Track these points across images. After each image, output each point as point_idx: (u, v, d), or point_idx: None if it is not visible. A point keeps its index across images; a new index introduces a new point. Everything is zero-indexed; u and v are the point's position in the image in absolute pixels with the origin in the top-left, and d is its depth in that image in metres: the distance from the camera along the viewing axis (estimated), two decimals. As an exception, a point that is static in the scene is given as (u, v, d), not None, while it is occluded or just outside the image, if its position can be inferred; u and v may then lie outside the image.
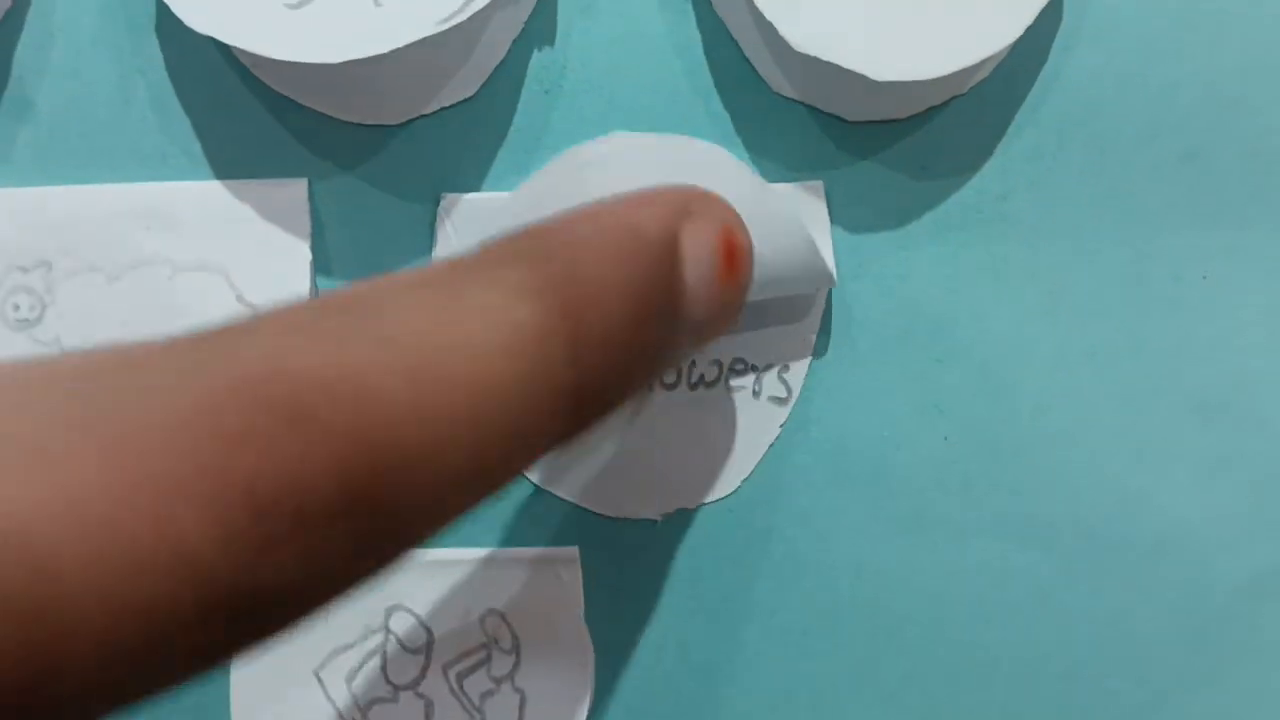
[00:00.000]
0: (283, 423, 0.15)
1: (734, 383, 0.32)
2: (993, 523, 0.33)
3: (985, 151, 0.33)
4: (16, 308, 0.32)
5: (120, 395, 0.15)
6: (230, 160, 0.33)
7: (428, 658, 0.33)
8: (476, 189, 0.33)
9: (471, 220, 0.32)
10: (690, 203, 0.22)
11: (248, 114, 0.33)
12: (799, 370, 0.32)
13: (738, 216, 0.23)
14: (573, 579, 0.33)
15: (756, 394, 0.32)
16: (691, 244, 0.21)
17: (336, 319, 0.17)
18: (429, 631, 0.33)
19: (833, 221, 0.32)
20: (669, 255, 0.21)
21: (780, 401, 0.33)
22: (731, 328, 0.25)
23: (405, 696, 0.32)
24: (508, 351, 0.17)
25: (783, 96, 0.33)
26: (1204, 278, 0.33)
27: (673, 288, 0.21)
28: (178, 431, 0.15)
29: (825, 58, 0.30)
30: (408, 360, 0.16)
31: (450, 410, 0.17)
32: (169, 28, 0.33)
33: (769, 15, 0.30)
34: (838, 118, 0.33)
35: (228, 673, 0.32)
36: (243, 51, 0.32)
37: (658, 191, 0.22)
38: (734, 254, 0.22)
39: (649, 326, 0.20)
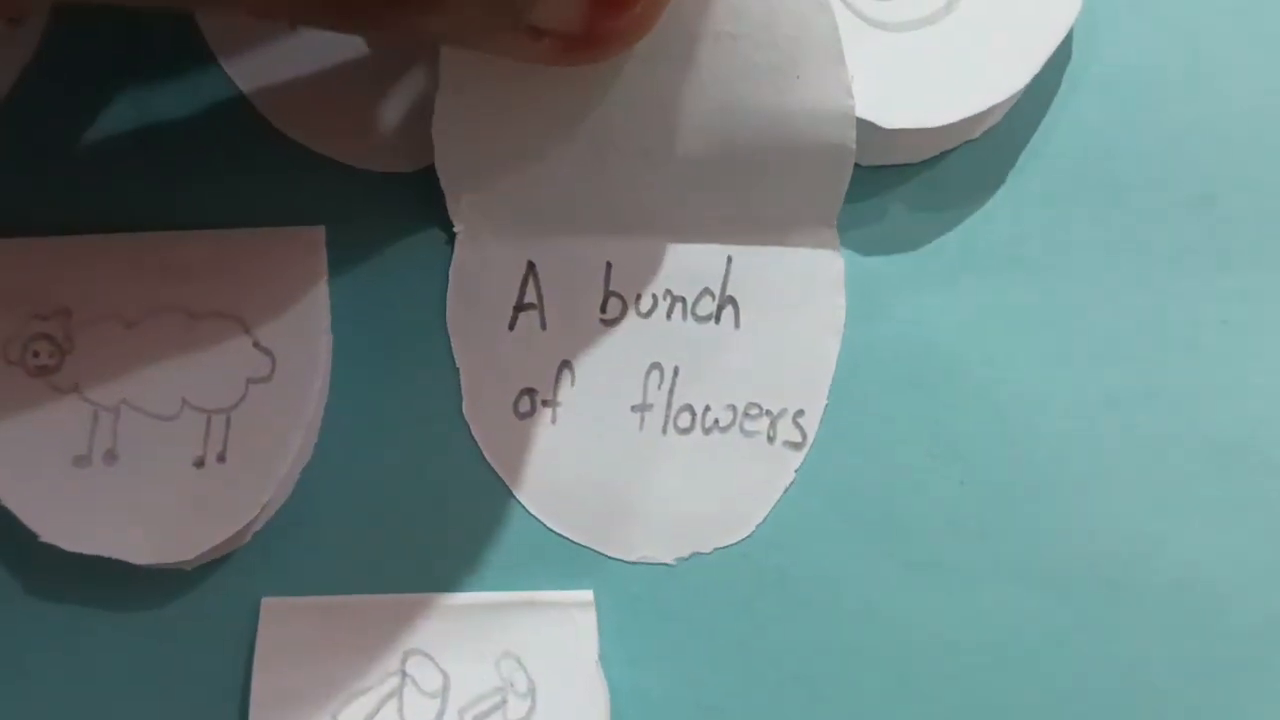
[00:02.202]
0: None
1: (748, 427, 0.32)
2: (1007, 567, 0.32)
3: (998, 195, 0.33)
4: (36, 355, 0.31)
5: None
6: (247, 208, 0.32)
7: (444, 701, 0.32)
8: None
9: (483, 265, 0.32)
10: None
11: (264, 162, 0.33)
12: (814, 415, 0.31)
13: None
14: (587, 622, 0.32)
15: (771, 439, 0.32)
16: None
17: None
18: (445, 675, 0.32)
19: (846, 264, 0.32)
20: None
21: (795, 446, 0.32)
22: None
23: (421, 740, 0.32)
24: None
25: (796, 142, 0.32)
26: (1223, 322, 0.32)
27: None
28: None
29: (837, 106, 0.30)
30: None
31: None
32: (185, 79, 0.33)
33: (782, 64, 0.30)
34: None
35: (246, 712, 0.32)
36: (259, 97, 0.32)
37: None
38: None
39: None
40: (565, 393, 0.31)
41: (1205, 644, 0.32)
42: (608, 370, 0.32)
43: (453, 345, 0.32)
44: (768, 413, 0.31)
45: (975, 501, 0.32)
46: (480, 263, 0.32)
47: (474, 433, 0.31)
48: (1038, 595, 0.32)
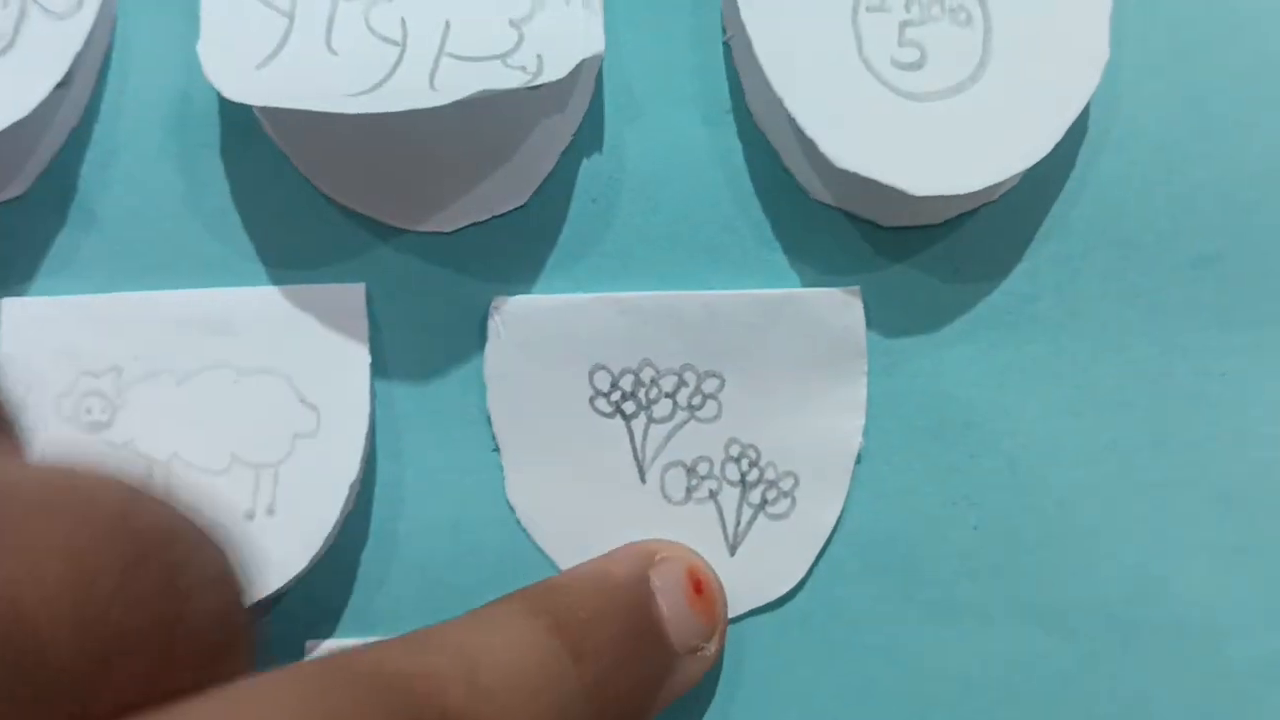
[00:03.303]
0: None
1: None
2: (1019, 609, 0.33)
3: (1014, 255, 0.33)
4: (89, 411, 0.32)
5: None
6: (290, 266, 0.33)
7: (484, 739, 0.33)
8: (527, 292, 0.33)
9: (521, 321, 0.32)
10: (657, 551, 0.29)
11: (307, 222, 0.33)
12: (842, 481, 0.32)
13: (701, 558, 0.30)
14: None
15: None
16: (660, 581, 0.28)
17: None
18: None
19: (868, 322, 0.33)
20: (641, 591, 0.28)
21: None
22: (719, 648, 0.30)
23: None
24: (541, 666, 0.23)
25: (820, 203, 0.33)
26: (1223, 374, 0.33)
27: (651, 615, 0.27)
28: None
29: (865, 174, 0.30)
30: (472, 669, 0.21)
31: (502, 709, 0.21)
32: (230, 141, 0.33)
33: (810, 133, 0.30)
34: (872, 223, 0.33)
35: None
36: (302, 159, 0.32)
37: (628, 546, 0.30)
38: (701, 584, 0.29)
39: (639, 645, 0.27)
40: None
41: (1207, 683, 0.33)
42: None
43: (493, 424, 0.32)
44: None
45: (989, 545, 0.33)
46: (517, 317, 0.32)
47: (510, 498, 0.32)
48: (1047, 635, 0.33)
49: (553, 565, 0.33)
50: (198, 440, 0.31)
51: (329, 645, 0.33)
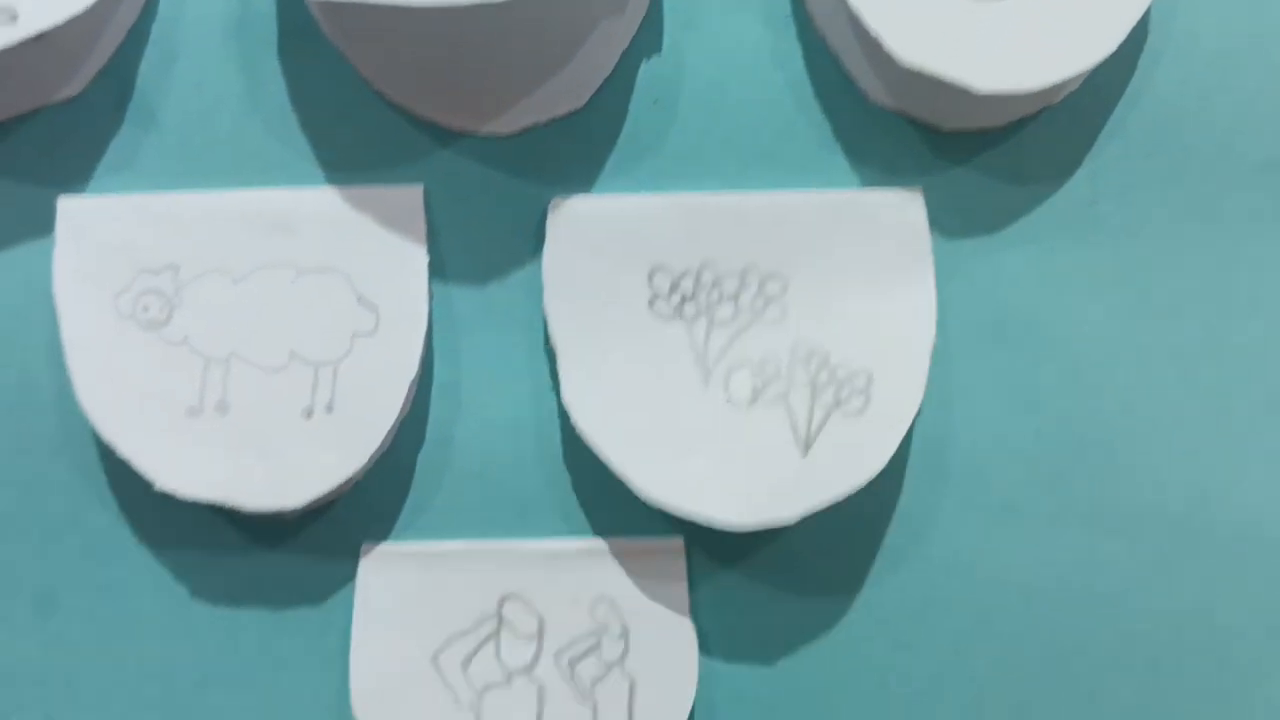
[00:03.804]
0: None
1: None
2: (1082, 515, 0.33)
3: (1075, 160, 0.33)
4: (146, 309, 0.31)
5: None
6: (349, 168, 0.32)
7: (540, 643, 0.32)
8: (586, 194, 0.32)
9: (580, 222, 0.32)
10: None
11: (366, 124, 0.33)
12: (920, 375, 0.31)
13: None
14: (678, 569, 0.32)
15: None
16: None
17: None
18: (541, 619, 0.32)
19: (929, 226, 0.32)
20: None
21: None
22: None
23: (519, 681, 0.32)
24: None
25: (880, 107, 0.33)
26: (1284, 281, 0.33)
27: None
28: None
29: (930, 70, 0.30)
30: None
31: None
32: (289, 43, 0.33)
33: (874, 30, 0.30)
34: (933, 126, 0.32)
35: (345, 660, 0.32)
36: (361, 61, 0.32)
37: None
38: None
39: None
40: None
41: (1271, 587, 0.32)
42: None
43: (550, 326, 0.32)
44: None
45: (1051, 451, 0.33)
46: (576, 219, 0.32)
47: (565, 399, 0.31)
48: (1110, 541, 0.33)
49: (610, 468, 0.32)
50: (256, 338, 0.31)
51: (384, 549, 0.33)
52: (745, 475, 0.30)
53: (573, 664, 0.32)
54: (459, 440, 0.33)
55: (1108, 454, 0.33)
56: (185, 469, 0.30)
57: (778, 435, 0.30)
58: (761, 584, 0.33)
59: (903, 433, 0.30)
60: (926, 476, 0.33)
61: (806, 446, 0.30)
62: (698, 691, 0.32)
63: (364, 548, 0.32)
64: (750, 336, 0.31)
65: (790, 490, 0.29)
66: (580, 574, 0.32)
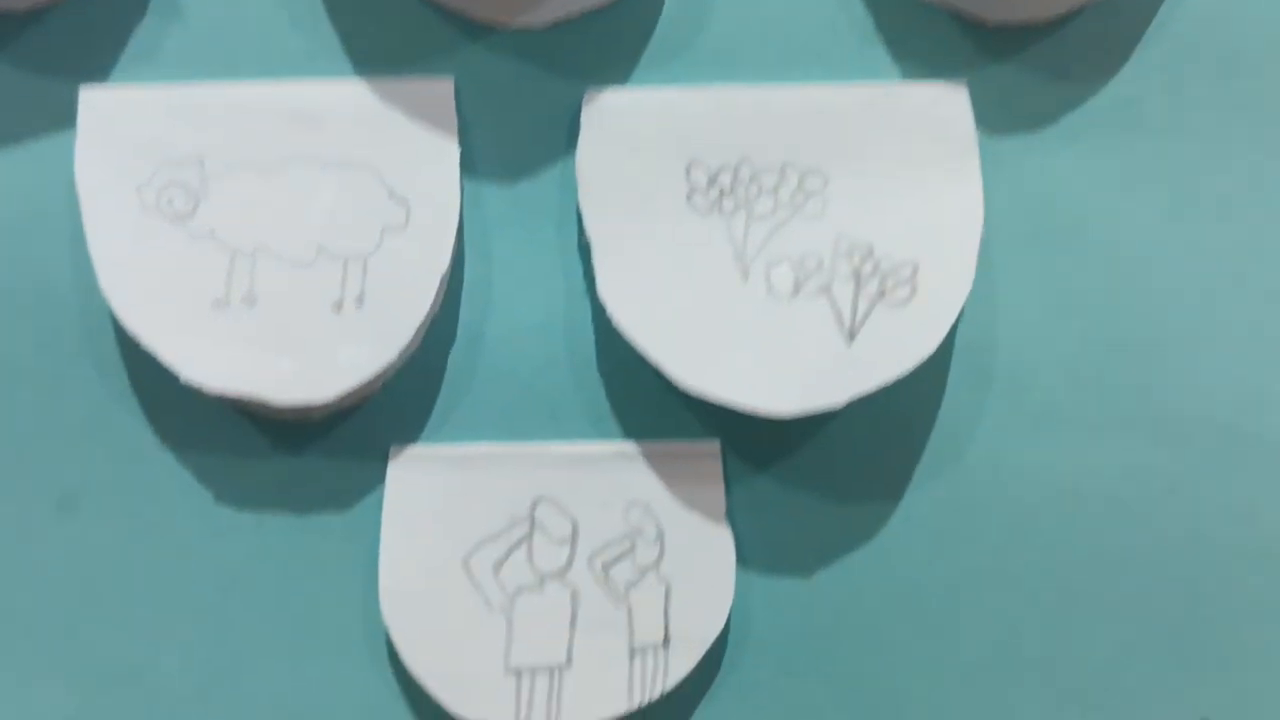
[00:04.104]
0: None
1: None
2: (1125, 419, 0.32)
3: (1120, 57, 0.32)
4: (171, 202, 0.30)
5: None
6: (378, 61, 0.32)
7: (573, 547, 0.32)
8: (621, 86, 0.32)
9: (615, 116, 0.31)
10: None
11: (396, 16, 0.32)
12: (969, 263, 0.30)
13: None
14: (714, 471, 0.31)
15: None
16: None
17: None
18: (574, 522, 0.31)
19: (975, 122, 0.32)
20: None
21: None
22: None
23: (552, 585, 0.31)
24: None
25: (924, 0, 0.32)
26: (1334, 180, 0.32)
27: None
28: None
29: (976, -44, 0.29)
30: None
31: None
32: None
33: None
34: (978, 20, 0.32)
35: (374, 565, 0.31)
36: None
37: None
38: None
39: None
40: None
41: (1321, 491, 0.32)
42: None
43: (584, 221, 0.31)
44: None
45: (1094, 355, 0.32)
46: (610, 112, 0.31)
47: (601, 293, 0.30)
48: (1155, 446, 0.32)
49: (646, 363, 0.31)
50: (283, 231, 0.30)
51: (413, 451, 0.32)
52: (788, 364, 0.29)
53: (606, 568, 0.31)
54: (490, 341, 0.32)
55: (1153, 358, 0.32)
56: (211, 361, 0.29)
57: (821, 325, 0.29)
58: (799, 489, 0.32)
59: (952, 320, 0.29)
60: (968, 380, 0.32)
61: (851, 336, 0.29)
62: (734, 598, 0.31)
63: (393, 450, 0.31)
64: (790, 231, 0.30)
65: (835, 377, 0.28)
66: (614, 477, 0.31)
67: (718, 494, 0.32)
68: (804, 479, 0.32)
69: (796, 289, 0.30)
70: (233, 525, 0.31)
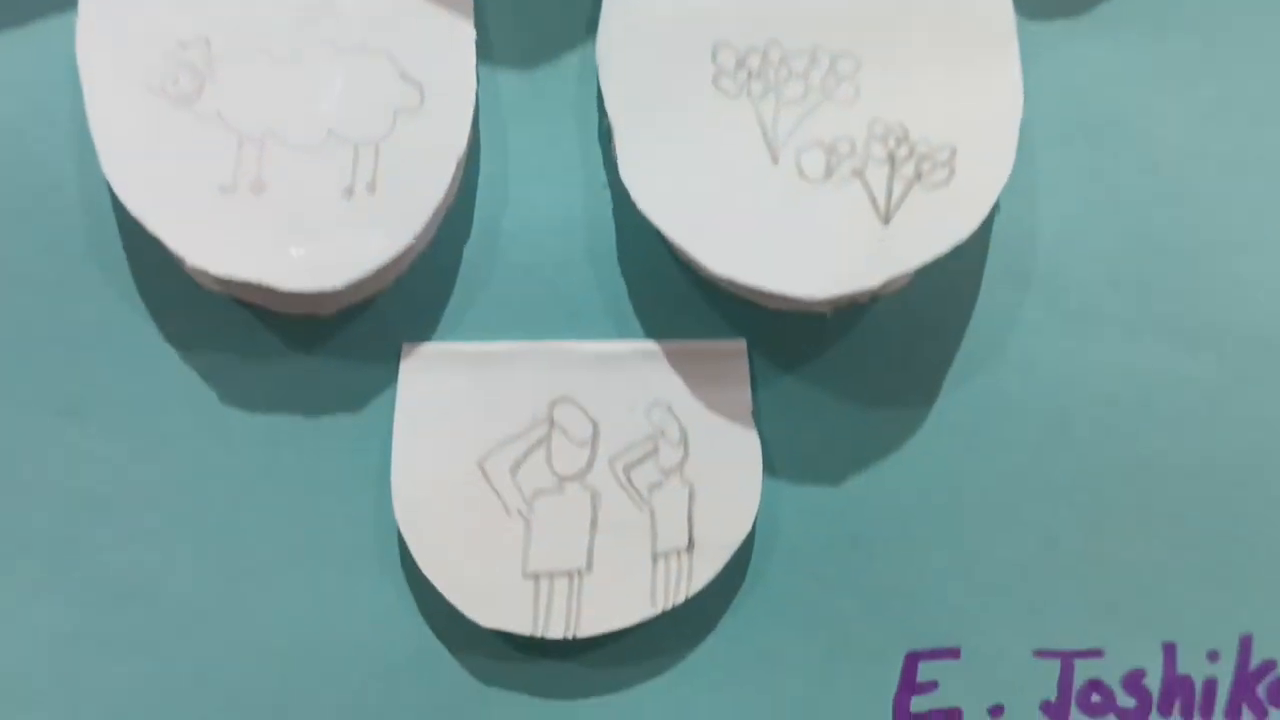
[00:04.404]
0: None
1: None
2: (1165, 324, 0.31)
3: (1166, -61, 0.31)
4: (176, 82, 0.29)
5: None
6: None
7: (594, 449, 0.30)
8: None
9: None
10: None
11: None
12: (1009, 146, 0.29)
13: None
14: (740, 371, 0.30)
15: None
16: None
17: None
18: (595, 423, 0.30)
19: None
20: None
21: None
22: None
23: (571, 488, 0.30)
24: None
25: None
26: (1387, 70, 0.31)
27: None
28: None
29: None
30: None
31: None
32: None
33: None
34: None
35: (386, 468, 0.30)
36: None
37: None
38: None
39: None
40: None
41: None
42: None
43: (607, 105, 0.29)
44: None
45: (1135, 256, 0.31)
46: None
47: (625, 180, 0.29)
48: (1194, 353, 0.31)
49: (672, 257, 0.30)
50: (292, 115, 0.29)
51: (427, 349, 0.31)
52: (821, 247, 0.27)
53: (628, 470, 0.30)
54: (506, 235, 0.30)
55: (1193, 261, 0.31)
56: (218, 247, 0.28)
57: (855, 208, 0.28)
58: (828, 391, 0.31)
59: (993, 199, 0.28)
60: (1004, 279, 0.31)
61: (886, 218, 0.28)
62: (760, 502, 0.30)
63: (405, 348, 0.30)
64: (821, 115, 0.29)
65: (870, 259, 0.27)
66: (636, 377, 0.30)
67: (744, 395, 0.30)
68: (833, 380, 0.31)
69: (829, 173, 0.28)
70: (240, 430, 0.30)
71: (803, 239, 0.28)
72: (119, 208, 0.29)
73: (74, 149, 0.30)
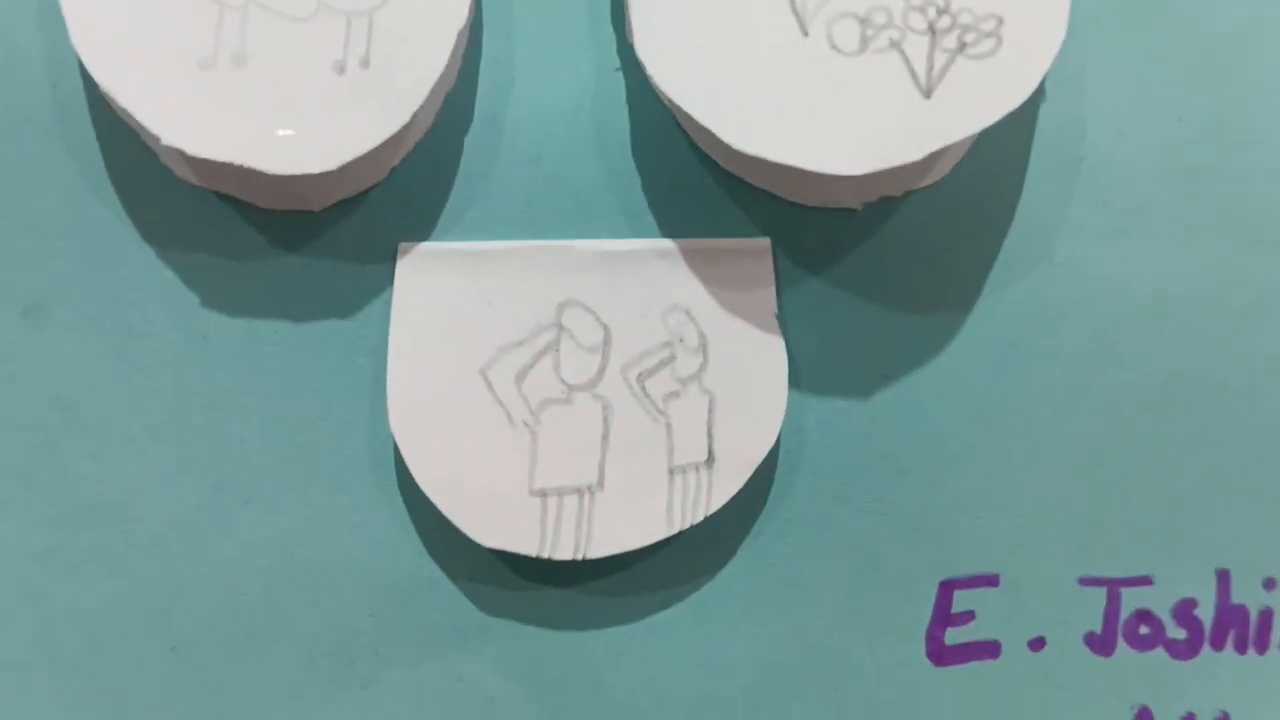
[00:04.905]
0: None
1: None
2: (1220, 218, 0.28)
3: None
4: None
5: None
6: None
7: (605, 357, 0.28)
8: None
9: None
10: None
11: None
12: (1061, 13, 0.26)
13: None
14: (764, 273, 0.28)
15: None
16: None
17: None
18: (606, 329, 0.28)
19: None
20: None
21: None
22: None
23: (581, 398, 0.28)
24: None
25: None
26: None
27: None
28: None
29: None
30: None
31: None
32: None
33: None
34: None
35: (380, 376, 0.28)
36: None
37: None
38: None
39: None
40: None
41: None
42: None
43: None
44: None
45: (1189, 144, 0.28)
46: None
47: (641, 57, 0.26)
48: (1251, 248, 0.28)
49: (690, 147, 0.28)
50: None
51: (424, 248, 0.28)
52: (857, 122, 0.25)
53: (643, 379, 0.28)
54: (510, 125, 0.28)
55: (1252, 150, 0.28)
56: (196, 125, 0.25)
57: (893, 81, 0.25)
58: (858, 295, 0.28)
59: (1045, 68, 0.25)
60: (1049, 172, 0.28)
61: (928, 91, 0.25)
62: (785, 415, 0.28)
63: (401, 248, 0.28)
64: (854, -13, 0.27)
65: (911, 133, 0.25)
66: (651, 278, 0.28)
67: (768, 298, 0.28)
68: (863, 283, 0.28)
69: (864, 45, 0.26)
70: (222, 336, 0.28)
71: (836, 114, 0.25)
72: (88, 82, 0.26)
73: (38, 16, 0.27)
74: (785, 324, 0.28)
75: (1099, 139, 0.28)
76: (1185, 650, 0.30)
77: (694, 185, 0.28)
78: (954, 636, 0.29)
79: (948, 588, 0.29)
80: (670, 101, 0.26)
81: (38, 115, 0.28)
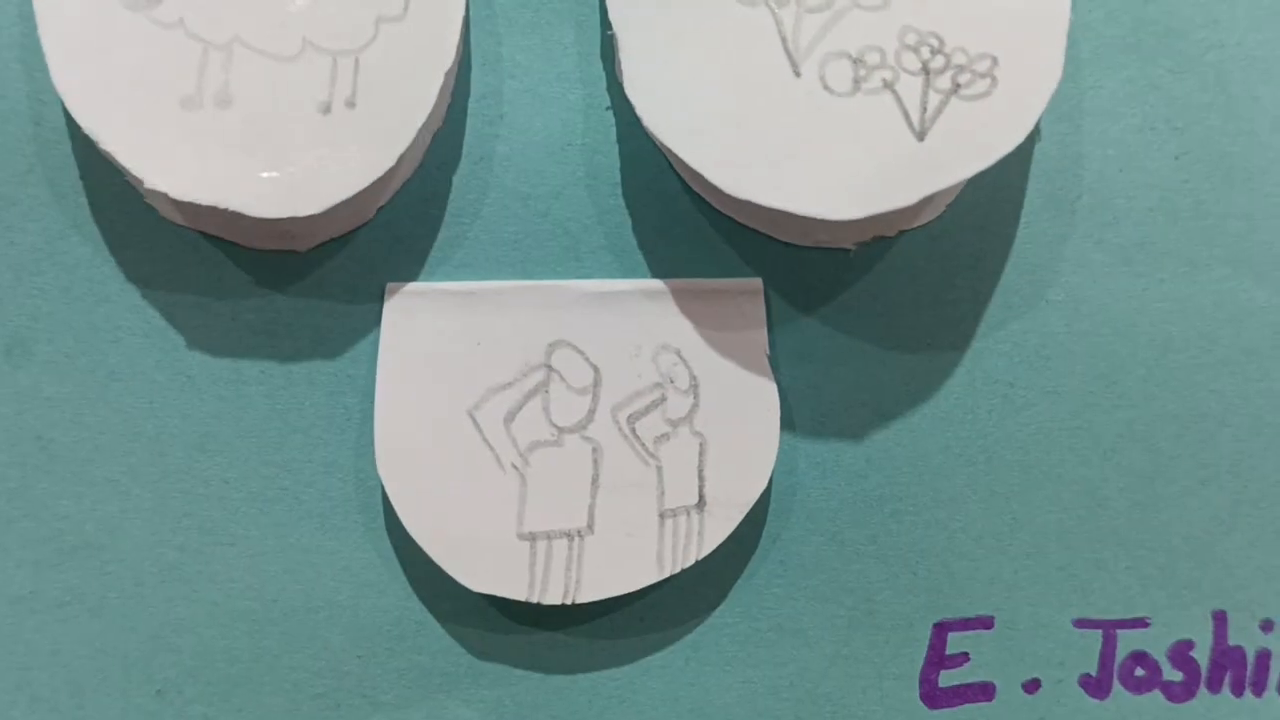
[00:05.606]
0: None
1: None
2: (1226, 254, 0.28)
3: None
4: (133, -16, 0.26)
5: None
6: None
7: (595, 398, 0.28)
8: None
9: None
10: None
11: None
12: (1056, 55, 0.26)
13: None
14: (756, 313, 0.27)
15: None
16: None
17: None
18: (596, 370, 0.27)
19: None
20: None
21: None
22: None
23: (570, 440, 0.27)
24: None
25: None
26: None
27: None
28: None
29: None
30: None
31: None
32: None
33: None
34: None
35: (368, 418, 0.27)
36: None
37: None
38: None
39: None
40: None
41: None
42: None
43: (609, 9, 0.26)
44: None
45: (1192, 179, 0.28)
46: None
47: (631, 98, 0.26)
48: (1258, 285, 0.28)
49: (681, 185, 0.27)
50: (263, 21, 0.26)
51: (413, 288, 0.28)
52: (850, 165, 0.25)
53: (633, 421, 0.27)
54: (499, 162, 0.27)
55: (1258, 184, 0.28)
56: (180, 167, 0.25)
57: (886, 123, 0.25)
58: (853, 335, 0.28)
59: (1040, 109, 0.25)
60: (1047, 207, 0.28)
61: (922, 133, 0.25)
62: (777, 457, 0.27)
63: (389, 288, 0.27)
64: (847, 24, 0.26)
65: (905, 176, 0.24)
66: (642, 318, 0.27)
67: (760, 339, 0.28)
68: (857, 323, 0.28)
69: (856, 85, 0.25)
70: (207, 376, 0.27)
71: (828, 157, 0.25)
72: (71, 123, 0.26)
73: (21, 56, 0.27)
74: (777, 365, 0.28)
75: (1097, 175, 0.28)
76: (1182, 693, 0.29)
77: (685, 224, 0.28)
78: (948, 679, 0.29)
79: (942, 629, 0.29)
80: (660, 143, 0.26)
81: (20, 152, 0.27)
